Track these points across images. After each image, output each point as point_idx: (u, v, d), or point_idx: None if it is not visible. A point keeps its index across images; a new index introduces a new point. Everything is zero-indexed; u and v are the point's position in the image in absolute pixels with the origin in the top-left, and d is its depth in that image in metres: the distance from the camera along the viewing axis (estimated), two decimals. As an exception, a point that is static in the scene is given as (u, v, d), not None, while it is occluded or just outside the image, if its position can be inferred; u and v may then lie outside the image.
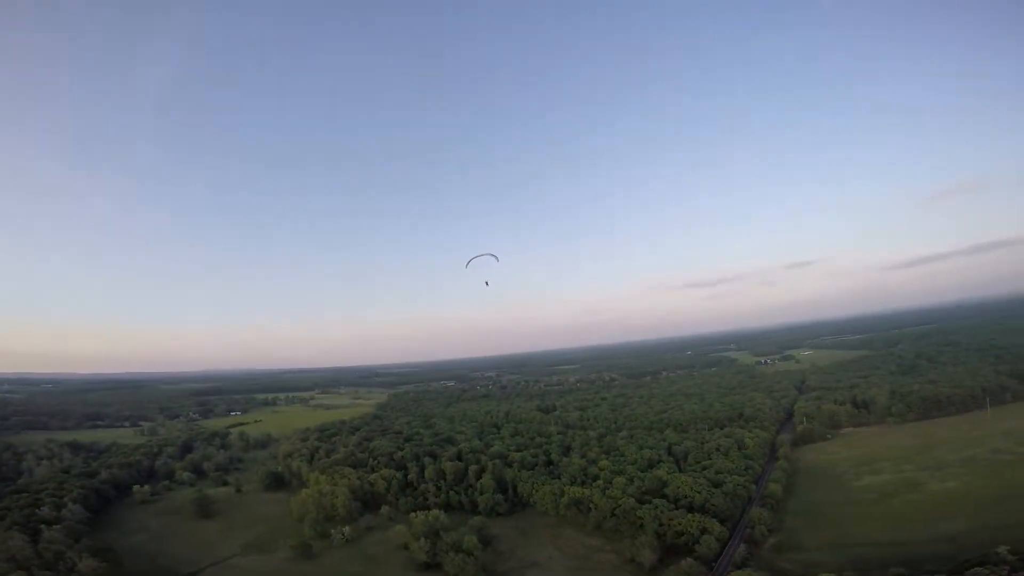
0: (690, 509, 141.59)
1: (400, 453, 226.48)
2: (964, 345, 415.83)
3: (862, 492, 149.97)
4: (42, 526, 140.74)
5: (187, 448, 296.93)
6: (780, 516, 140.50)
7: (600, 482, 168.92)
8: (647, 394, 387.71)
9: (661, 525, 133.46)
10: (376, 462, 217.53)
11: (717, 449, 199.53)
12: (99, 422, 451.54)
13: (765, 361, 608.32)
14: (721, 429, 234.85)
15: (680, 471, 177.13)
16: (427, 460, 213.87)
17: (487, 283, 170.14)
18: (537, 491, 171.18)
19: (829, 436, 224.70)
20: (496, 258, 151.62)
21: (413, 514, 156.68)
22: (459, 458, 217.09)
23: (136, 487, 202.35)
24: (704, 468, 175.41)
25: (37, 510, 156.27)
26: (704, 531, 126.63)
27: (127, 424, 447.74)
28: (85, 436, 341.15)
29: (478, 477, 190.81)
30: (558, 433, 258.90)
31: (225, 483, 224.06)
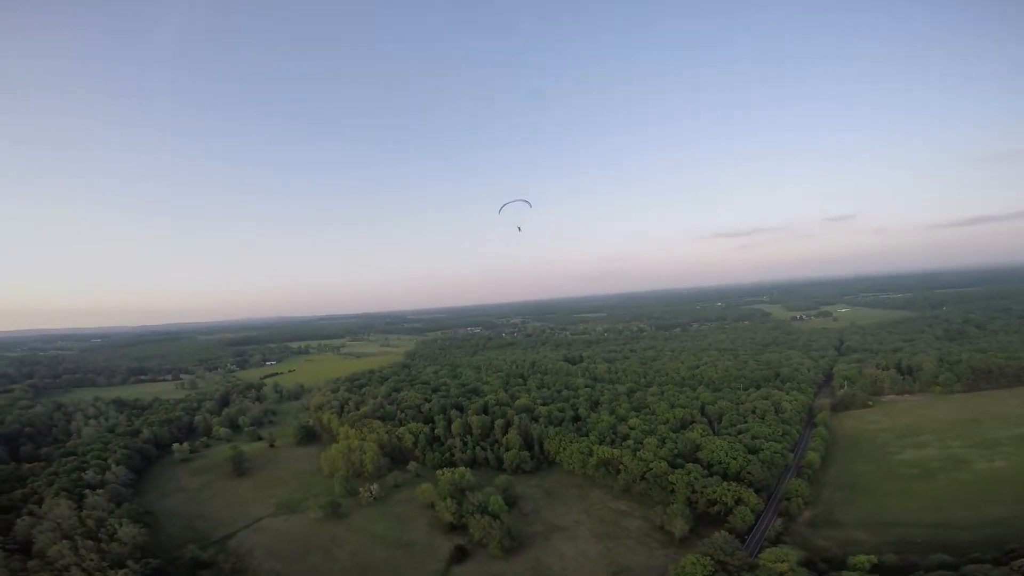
0: (724, 476, 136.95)
1: (428, 405, 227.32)
2: (1017, 312, 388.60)
3: (904, 467, 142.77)
4: (87, 491, 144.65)
5: (224, 401, 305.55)
6: (817, 488, 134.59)
7: (630, 442, 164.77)
8: (678, 347, 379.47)
9: (694, 492, 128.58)
10: (404, 415, 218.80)
11: (753, 412, 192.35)
12: (143, 376, 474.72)
13: (800, 317, 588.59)
14: (757, 389, 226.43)
15: (714, 434, 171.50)
16: (454, 413, 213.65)
17: (519, 228, 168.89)
18: (564, 449, 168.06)
19: (871, 403, 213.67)
20: (529, 204, 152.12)
21: (440, 471, 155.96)
22: (485, 411, 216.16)
23: (176, 445, 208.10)
24: (740, 432, 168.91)
25: (83, 474, 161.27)
26: (739, 501, 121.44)
27: (169, 377, 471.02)
28: (130, 392, 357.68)
29: (504, 432, 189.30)
30: (585, 386, 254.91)
31: (259, 438, 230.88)
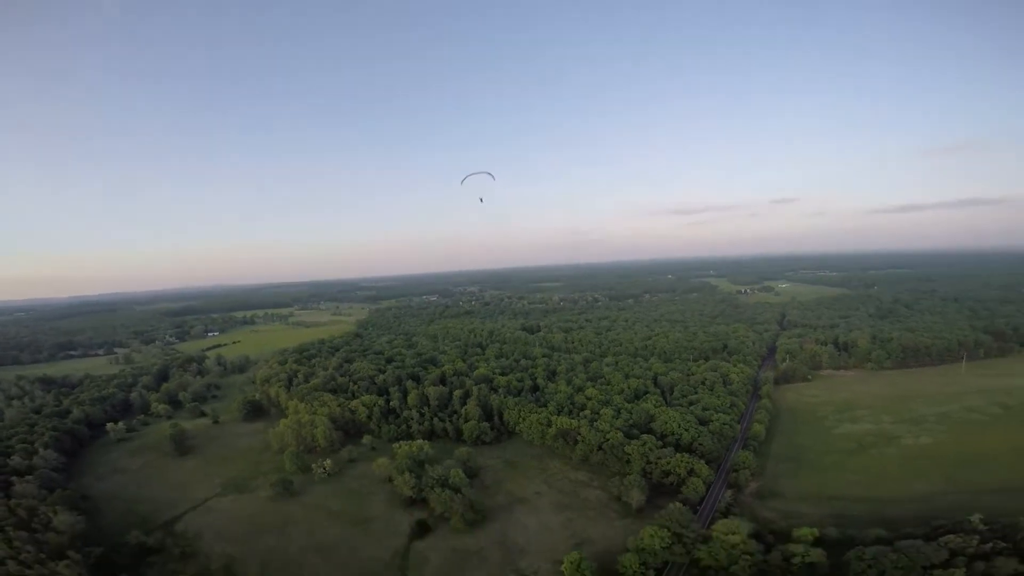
0: (677, 447, 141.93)
1: (382, 376, 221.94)
2: (941, 294, 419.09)
3: (841, 441, 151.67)
4: (14, 478, 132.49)
5: (163, 376, 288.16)
6: (763, 460, 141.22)
7: (587, 412, 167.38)
8: (631, 318, 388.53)
9: (648, 463, 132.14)
10: (357, 387, 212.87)
11: (703, 383, 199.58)
12: (72, 352, 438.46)
13: (745, 291, 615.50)
14: (706, 361, 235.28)
15: (667, 404, 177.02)
16: (410, 384, 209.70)
17: (481, 200, 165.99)
18: (524, 420, 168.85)
19: (810, 377, 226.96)
20: (492, 176, 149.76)
21: (396, 444, 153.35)
22: (443, 382, 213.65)
23: (110, 424, 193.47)
24: (691, 404, 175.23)
25: (8, 459, 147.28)
26: (691, 472, 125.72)
27: (101, 352, 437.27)
28: (58, 368, 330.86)
29: (463, 403, 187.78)
30: (543, 356, 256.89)
31: (202, 414, 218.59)
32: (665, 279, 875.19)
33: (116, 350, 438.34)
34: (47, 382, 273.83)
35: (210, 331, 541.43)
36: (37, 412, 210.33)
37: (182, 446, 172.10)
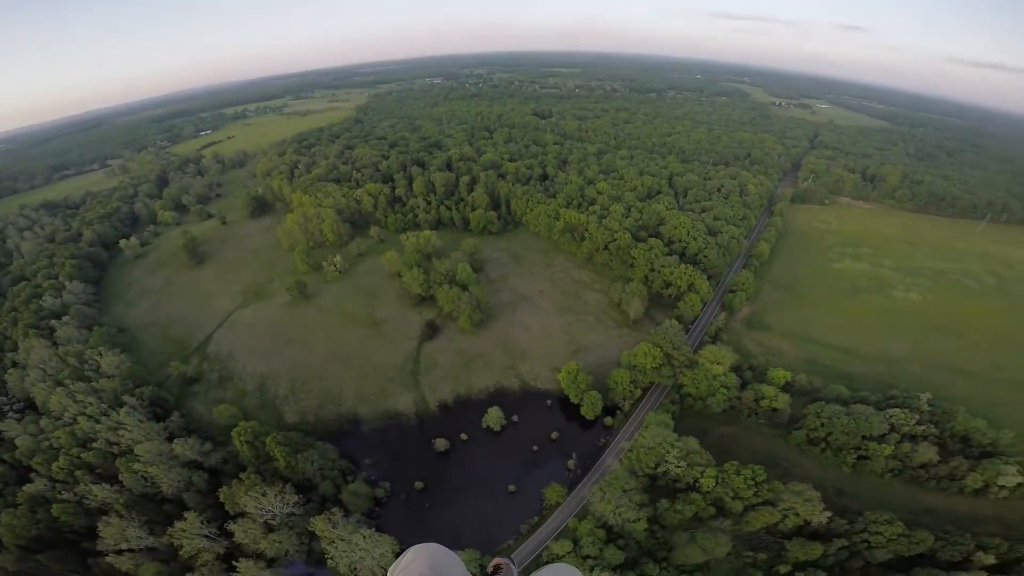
0: (682, 257, 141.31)
1: (385, 163, 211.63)
2: (988, 150, 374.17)
3: (837, 278, 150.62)
4: (53, 323, 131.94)
5: (163, 181, 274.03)
6: (759, 283, 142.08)
7: (597, 207, 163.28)
8: (652, 112, 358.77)
9: (652, 271, 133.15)
10: (360, 175, 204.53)
11: (719, 190, 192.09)
12: (67, 171, 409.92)
13: (780, 103, 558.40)
14: (726, 167, 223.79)
15: (679, 208, 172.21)
16: (415, 170, 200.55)
17: None
18: (531, 211, 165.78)
19: (827, 201, 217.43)
20: None
21: (404, 235, 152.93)
22: (449, 167, 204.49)
23: (124, 242, 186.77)
24: (703, 211, 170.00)
25: (41, 302, 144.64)
26: (691, 287, 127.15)
27: (96, 167, 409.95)
28: (57, 191, 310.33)
29: (470, 190, 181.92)
30: (554, 143, 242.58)
31: (209, 216, 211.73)
32: (694, 78, 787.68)
33: (110, 162, 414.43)
34: (51, 207, 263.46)
35: (201, 131, 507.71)
36: (51, 240, 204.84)
37: (197, 254, 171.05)
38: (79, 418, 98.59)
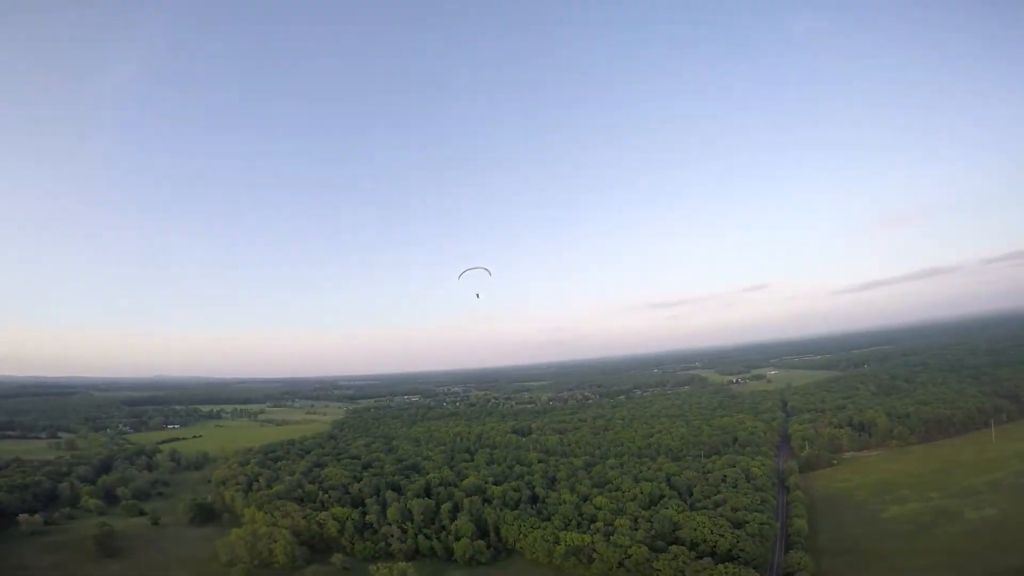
0: (714, 555, 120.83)
1: (357, 485, 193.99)
2: (935, 366, 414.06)
3: (895, 524, 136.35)
4: None
5: (105, 467, 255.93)
6: (815, 556, 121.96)
7: (600, 524, 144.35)
8: (627, 415, 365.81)
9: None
10: (328, 496, 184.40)
11: (723, 480, 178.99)
12: (10, 432, 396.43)
13: (737, 380, 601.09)
14: (719, 456, 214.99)
15: (689, 508, 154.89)
16: (390, 494, 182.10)
17: (478, 296, 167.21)
18: (525, 536, 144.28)
19: (835, 462, 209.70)
20: (489, 272, 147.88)
21: (374, 567, 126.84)
22: (428, 492, 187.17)
23: (23, 516, 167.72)
24: (717, 505, 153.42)
25: None
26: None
27: (43, 435, 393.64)
28: None
29: (452, 518, 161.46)
30: (539, 461, 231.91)
31: (141, 513, 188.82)
32: (652, 373, 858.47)
33: (60, 434, 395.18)
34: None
35: (170, 423, 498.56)
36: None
37: (108, 547, 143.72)
38: None
